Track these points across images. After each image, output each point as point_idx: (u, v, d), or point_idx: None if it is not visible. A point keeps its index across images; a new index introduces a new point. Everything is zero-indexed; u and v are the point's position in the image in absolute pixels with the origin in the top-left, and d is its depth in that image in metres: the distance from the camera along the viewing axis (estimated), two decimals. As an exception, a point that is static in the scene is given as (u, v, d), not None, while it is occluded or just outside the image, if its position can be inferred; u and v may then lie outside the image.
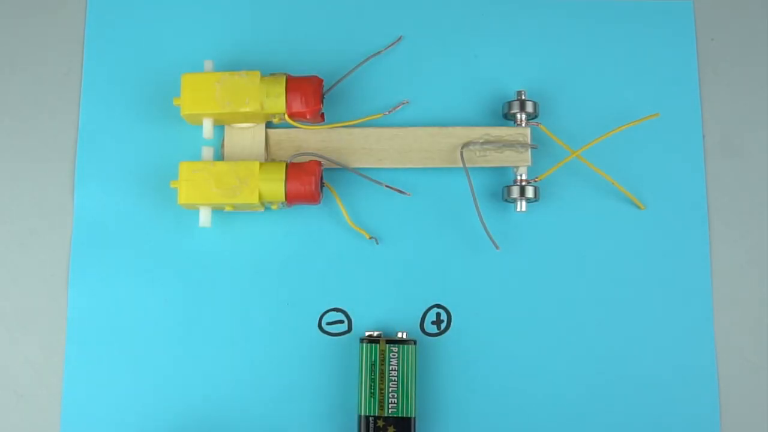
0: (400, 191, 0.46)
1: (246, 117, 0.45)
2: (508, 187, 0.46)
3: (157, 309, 0.46)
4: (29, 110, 0.49)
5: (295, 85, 0.45)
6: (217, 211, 0.46)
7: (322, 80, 0.46)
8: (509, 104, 0.46)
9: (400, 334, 0.44)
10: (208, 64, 0.46)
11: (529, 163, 0.45)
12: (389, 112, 0.47)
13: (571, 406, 0.45)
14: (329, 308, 0.46)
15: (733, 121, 0.48)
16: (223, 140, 0.47)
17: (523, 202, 0.45)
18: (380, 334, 0.44)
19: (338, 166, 0.46)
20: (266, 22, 0.49)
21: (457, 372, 0.45)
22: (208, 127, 0.45)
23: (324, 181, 0.46)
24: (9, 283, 0.47)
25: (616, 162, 0.47)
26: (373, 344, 0.43)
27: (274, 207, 0.46)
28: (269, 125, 0.47)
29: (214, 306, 0.46)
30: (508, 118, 0.47)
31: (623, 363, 0.45)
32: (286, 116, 0.45)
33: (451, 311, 0.46)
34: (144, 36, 0.49)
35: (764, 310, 0.46)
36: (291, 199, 0.44)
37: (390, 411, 0.43)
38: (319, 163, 0.44)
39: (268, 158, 0.46)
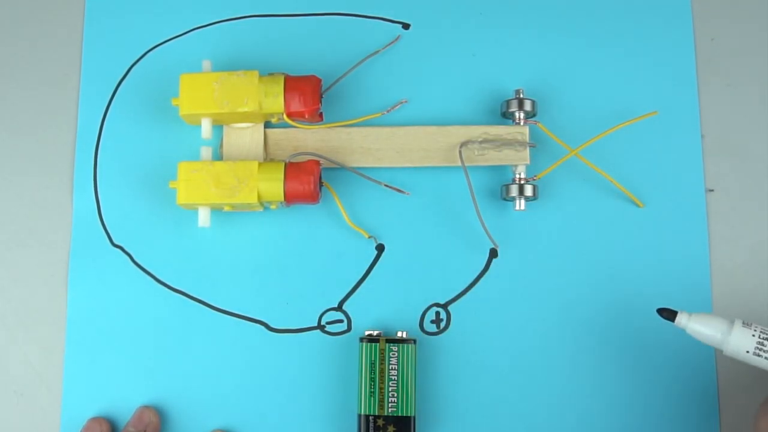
0: (399, 190, 0.46)
1: (244, 117, 0.45)
2: (507, 186, 0.46)
3: (157, 309, 0.46)
4: (28, 111, 0.49)
5: (293, 84, 0.45)
6: (216, 211, 0.46)
7: (320, 80, 0.46)
8: (507, 103, 0.46)
9: (399, 333, 0.44)
10: (206, 64, 0.46)
11: (528, 162, 0.45)
12: (387, 111, 0.47)
13: (571, 405, 0.45)
14: (329, 308, 0.46)
15: (732, 120, 0.48)
16: (222, 140, 0.47)
17: (522, 201, 0.45)
18: (380, 334, 0.44)
19: (337, 166, 0.46)
20: (264, 21, 0.49)
21: (457, 371, 0.45)
22: (206, 127, 0.46)
23: (323, 180, 0.46)
24: (9, 283, 0.48)
25: (615, 160, 0.47)
26: (373, 343, 0.44)
27: (273, 207, 0.46)
28: (268, 125, 0.47)
29: (213, 305, 0.46)
30: (506, 116, 0.47)
31: (622, 361, 0.45)
32: (285, 116, 0.45)
33: (450, 310, 0.46)
34: (142, 36, 0.50)
35: (764, 309, 0.46)
36: (290, 198, 0.44)
37: (390, 410, 0.43)
38: (317, 163, 0.44)
39: (267, 158, 0.46)
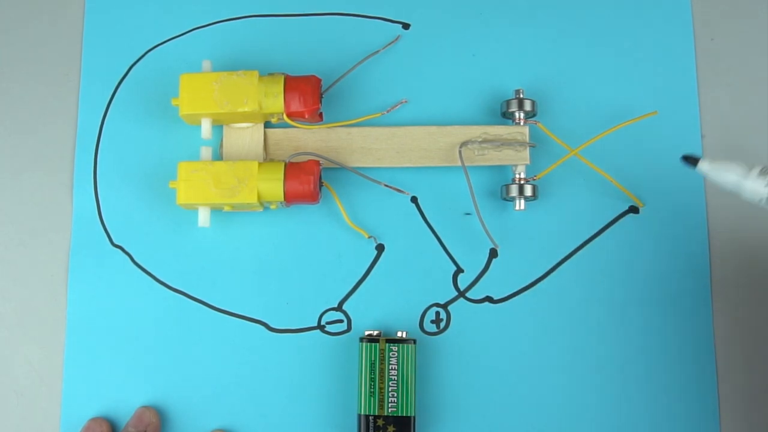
0: (399, 190, 0.46)
1: (244, 117, 0.45)
2: (507, 186, 0.46)
3: (157, 309, 0.46)
4: (29, 111, 0.49)
5: (293, 84, 0.45)
6: (216, 211, 0.46)
7: (320, 80, 0.46)
8: (507, 103, 0.46)
9: (399, 334, 0.44)
10: (206, 64, 0.46)
11: (528, 162, 0.45)
12: (387, 111, 0.47)
13: (570, 405, 0.45)
14: (328, 308, 0.46)
15: (732, 120, 0.48)
16: (222, 140, 0.47)
17: (522, 201, 0.45)
18: (380, 334, 0.44)
19: (337, 166, 0.46)
20: (264, 21, 0.49)
21: (457, 371, 0.45)
22: (206, 127, 0.46)
23: (323, 180, 0.46)
24: (9, 283, 0.48)
25: (615, 160, 0.47)
26: (373, 343, 0.44)
27: (273, 207, 0.46)
28: (268, 125, 0.47)
29: (213, 305, 0.46)
30: (506, 116, 0.47)
31: (622, 361, 0.45)
32: (285, 116, 0.45)
33: (450, 310, 0.46)
34: (142, 36, 0.50)
35: (764, 310, 0.46)
36: (290, 198, 0.44)
37: (390, 410, 0.43)
38: (317, 163, 0.44)
39: (267, 158, 0.46)
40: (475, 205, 0.45)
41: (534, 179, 0.46)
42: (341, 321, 0.46)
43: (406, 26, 0.49)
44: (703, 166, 0.38)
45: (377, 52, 0.48)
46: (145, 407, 0.45)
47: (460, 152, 0.45)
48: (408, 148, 0.46)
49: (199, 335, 0.46)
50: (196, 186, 0.44)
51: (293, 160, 0.45)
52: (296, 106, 0.45)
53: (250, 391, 0.45)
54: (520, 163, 0.45)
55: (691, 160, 0.39)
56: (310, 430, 0.45)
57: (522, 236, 0.46)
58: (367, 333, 0.44)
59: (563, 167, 0.46)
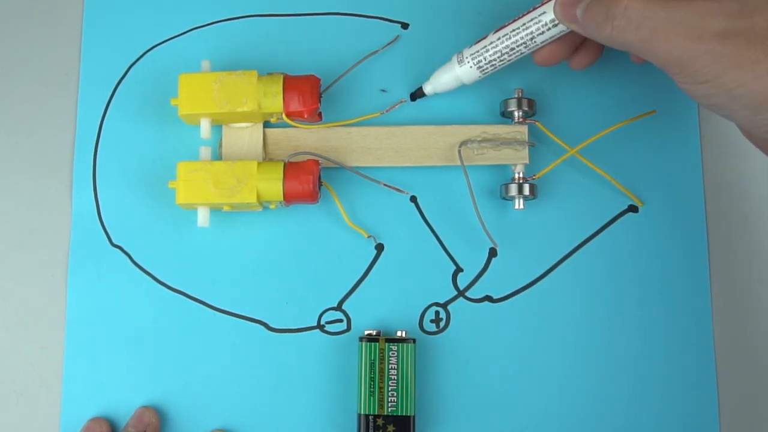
0: (399, 190, 0.46)
1: (243, 116, 0.45)
2: (506, 185, 0.46)
3: (157, 309, 0.46)
4: (28, 111, 0.50)
5: (292, 84, 0.45)
6: (216, 210, 0.46)
7: (319, 79, 0.46)
8: (507, 102, 0.46)
9: (399, 333, 0.44)
10: (205, 64, 0.46)
11: (527, 161, 0.45)
12: (387, 110, 0.47)
13: (570, 405, 0.45)
14: (328, 307, 0.46)
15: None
16: (221, 140, 0.47)
17: (521, 200, 0.45)
18: (379, 333, 0.44)
19: (336, 165, 0.46)
20: (263, 21, 0.49)
21: (456, 370, 0.45)
22: (205, 127, 0.46)
23: (322, 180, 0.46)
24: (9, 283, 0.48)
25: (614, 159, 0.47)
26: (373, 343, 0.44)
27: (272, 206, 0.46)
28: (267, 125, 0.47)
29: (212, 305, 0.46)
30: (505, 116, 0.47)
31: (621, 360, 0.45)
32: (284, 115, 0.45)
33: (449, 309, 0.46)
34: (141, 36, 0.50)
35: (764, 310, 0.46)
36: (289, 198, 0.44)
37: (389, 409, 0.43)
38: (317, 162, 0.44)
39: (266, 158, 0.46)
40: (475, 205, 0.45)
41: (533, 178, 0.46)
42: (341, 321, 0.46)
43: (405, 26, 0.49)
44: (427, 87, 0.45)
45: (376, 51, 0.48)
46: (145, 407, 0.45)
47: (459, 152, 0.45)
48: (407, 148, 0.46)
49: (199, 335, 0.46)
50: (196, 186, 0.44)
51: (292, 159, 0.45)
52: (295, 106, 0.45)
53: (250, 391, 0.45)
54: (519, 162, 0.45)
55: (418, 92, 0.46)
56: (310, 429, 0.45)
57: (521, 235, 0.46)
58: (366, 332, 0.44)
59: (562, 166, 0.46)
